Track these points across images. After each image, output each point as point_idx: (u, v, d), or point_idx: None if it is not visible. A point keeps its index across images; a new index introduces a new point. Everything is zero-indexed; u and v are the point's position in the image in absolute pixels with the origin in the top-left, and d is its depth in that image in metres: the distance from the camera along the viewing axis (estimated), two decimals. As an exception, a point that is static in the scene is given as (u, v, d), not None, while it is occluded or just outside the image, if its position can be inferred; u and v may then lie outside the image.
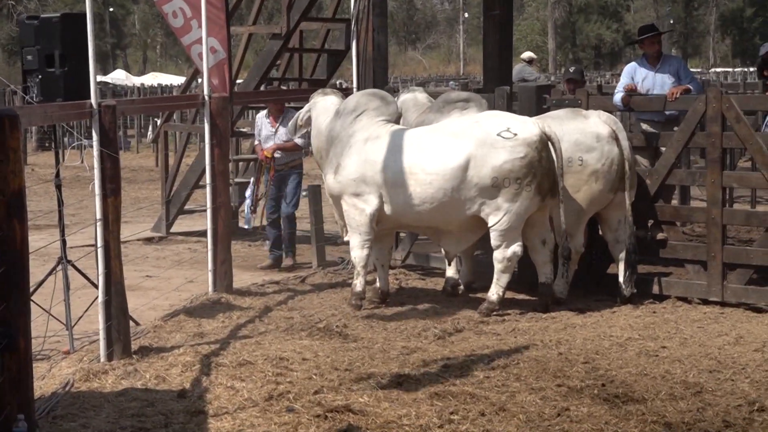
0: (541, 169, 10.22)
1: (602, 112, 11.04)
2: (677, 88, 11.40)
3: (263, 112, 13.38)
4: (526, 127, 10.28)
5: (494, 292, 10.50)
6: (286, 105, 13.54)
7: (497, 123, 10.34)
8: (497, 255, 10.43)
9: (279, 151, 12.95)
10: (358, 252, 10.72)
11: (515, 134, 10.20)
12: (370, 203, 10.51)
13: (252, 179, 12.98)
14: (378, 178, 10.41)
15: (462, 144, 10.25)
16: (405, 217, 10.56)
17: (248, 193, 12.90)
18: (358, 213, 10.57)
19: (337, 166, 10.65)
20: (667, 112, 11.76)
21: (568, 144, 10.53)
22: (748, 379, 8.05)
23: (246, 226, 13.15)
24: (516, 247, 10.38)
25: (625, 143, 10.78)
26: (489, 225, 10.32)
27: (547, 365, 8.41)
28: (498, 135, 10.22)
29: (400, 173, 10.34)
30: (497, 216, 10.26)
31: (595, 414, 7.30)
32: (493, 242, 10.40)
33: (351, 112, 10.71)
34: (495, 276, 10.50)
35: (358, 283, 10.77)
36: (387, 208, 10.50)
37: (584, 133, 10.72)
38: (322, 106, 11.11)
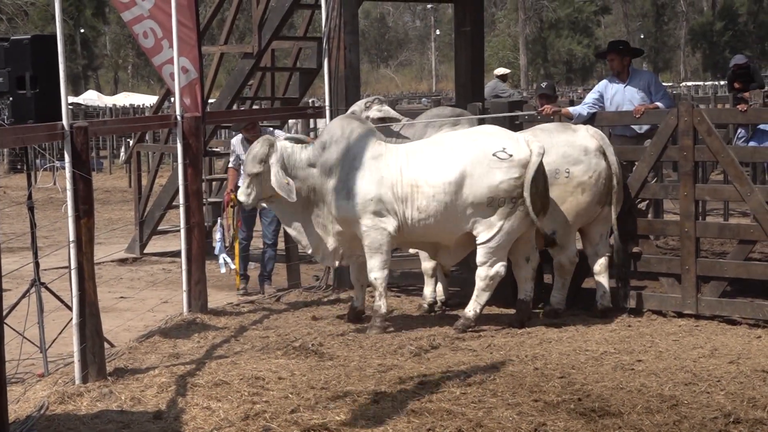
0: (535, 190, 10.23)
1: (590, 127, 11.09)
2: (645, 105, 11.48)
3: (239, 137, 13.19)
4: (521, 148, 10.29)
5: (471, 309, 10.49)
6: (261, 124, 13.43)
7: (493, 142, 10.32)
8: (480, 272, 10.42)
9: None
10: (379, 273, 10.47)
11: (510, 155, 10.21)
12: (390, 222, 10.35)
13: (219, 222, 12.64)
14: (390, 194, 10.33)
15: (459, 161, 10.22)
16: (413, 233, 10.47)
17: (218, 236, 12.52)
18: (379, 233, 10.36)
19: (347, 191, 10.37)
20: (640, 130, 11.87)
21: (555, 156, 10.60)
22: (724, 392, 8.07)
23: (223, 270, 12.78)
24: (500, 267, 10.37)
25: (612, 158, 10.82)
26: (478, 241, 10.31)
27: (524, 380, 8.41)
28: (494, 155, 10.24)
29: (408, 187, 10.28)
30: (489, 233, 10.25)
31: (571, 428, 7.31)
32: (479, 259, 10.38)
33: (342, 138, 10.47)
34: (475, 293, 10.49)
35: (383, 305, 10.52)
36: (399, 224, 10.44)
37: (572, 146, 10.75)
38: (286, 147, 10.66)
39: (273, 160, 10.49)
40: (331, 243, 10.77)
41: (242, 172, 10.97)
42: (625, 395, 8.00)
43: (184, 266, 11.10)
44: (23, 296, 9.42)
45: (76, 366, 8.64)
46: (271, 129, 13.29)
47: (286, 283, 13.11)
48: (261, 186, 10.61)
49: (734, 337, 10.00)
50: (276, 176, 10.43)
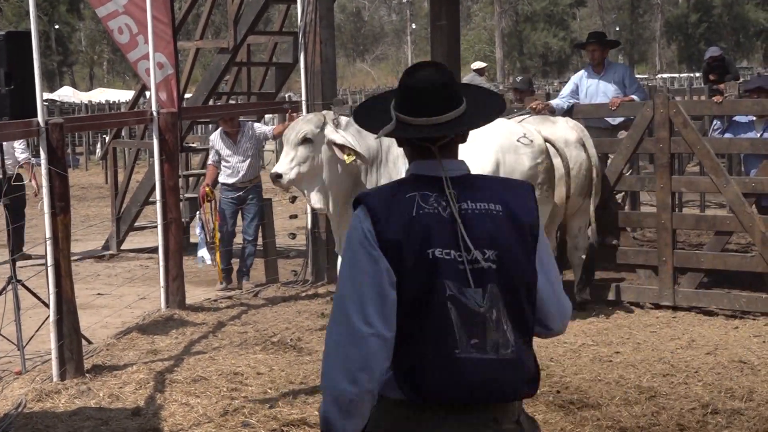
0: (552, 175, 10.23)
1: (569, 119, 11.10)
2: (621, 98, 11.52)
3: (218, 132, 13.12)
4: (536, 134, 10.27)
5: None
6: (240, 119, 13.39)
7: (513, 130, 10.26)
8: None
9: (244, 167, 12.72)
10: None
11: (531, 141, 10.17)
12: None
13: (198, 215, 12.60)
14: None
15: (489, 149, 10.02)
16: None
17: (198, 231, 12.48)
18: None
19: None
20: (614, 122, 11.92)
21: None
22: (701, 383, 8.11)
23: (200, 265, 12.73)
24: None
25: (592, 150, 10.81)
26: None
27: (502, 373, 8.41)
28: (518, 141, 10.15)
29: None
30: None
31: (550, 420, 7.32)
32: None
33: None
34: None
35: None
36: None
37: (553, 138, 10.73)
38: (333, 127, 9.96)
39: (330, 129, 9.74)
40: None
41: (285, 143, 10.00)
42: (603, 387, 8.03)
43: (161, 262, 11.06)
44: (-1, 294, 9.40)
45: (54, 363, 8.62)
46: (250, 123, 13.26)
47: (264, 279, 13.09)
48: (309, 161, 9.77)
49: (711, 328, 10.04)
50: (344, 139, 9.61)
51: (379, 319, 3.44)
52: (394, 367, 3.51)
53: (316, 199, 9.89)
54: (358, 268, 3.49)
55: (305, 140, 9.77)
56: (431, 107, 3.62)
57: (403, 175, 4.07)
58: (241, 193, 12.80)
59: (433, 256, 3.48)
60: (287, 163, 9.79)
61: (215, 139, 12.93)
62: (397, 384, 3.51)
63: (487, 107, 3.82)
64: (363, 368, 3.44)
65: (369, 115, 3.79)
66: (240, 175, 12.75)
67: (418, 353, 3.49)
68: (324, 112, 10.40)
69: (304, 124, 9.84)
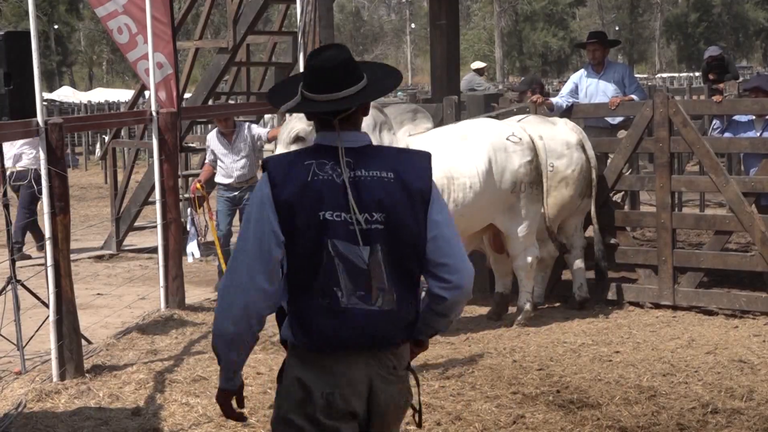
0: (541, 172, 10.21)
1: (568, 120, 11.09)
2: (621, 98, 11.51)
3: (214, 132, 13.11)
4: (524, 132, 10.22)
5: (524, 300, 10.37)
6: (236, 119, 13.38)
7: (501, 128, 10.22)
8: (519, 263, 10.29)
9: (238, 167, 12.70)
10: None
11: (520, 139, 10.14)
12: None
13: (189, 212, 12.58)
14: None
15: (481, 147, 9.98)
16: None
17: (189, 226, 12.44)
18: None
19: None
20: (613, 122, 11.92)
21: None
22: (701, 382, 8.10)
23: (189, 260, 12.65)
24: (533, 251, 10.31)
25: (591, 152, 10.81)
26: (509, 234, 10.15)
27: (502, 373, 8.42)
28: (507, 139, 10.12)
29: (443, 179, 9.75)
30: (518, 223, 10.15)
31: (550, 420, 7.32)
32: (513, 251, 10.28)
33: (375, 128, 9.75)
34: (520, 285, 10.41)
35: None
36: None
37: (554, 140, 10.69)
38: None
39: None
40: None
41: (278, 142, 9.97)
42: (603, 386, 8.02)
43: (161, 262, 11.06)
44: (-1, 294, 9.38)
45: (54, 363, 8.61)
46: (247, 124, 13.24)
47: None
48: None
49: (711, 327, 10.03)
50: None
51: (262, 273, 4.00)
52: (290, 317, 4.07)
53: None
54: (252, 228, 4.03)
55: (298, 138, 9.78)
56: (332, 84, 4.04)
57: None
58: (236, 193, 12.78)
59: (324, 218, 3.99)
60: None
61: (211, 138, 12.93)
62: (292, 332, 4.07)
63: (385, 81, 4.23)
64: (243, 313, 4.03)
65: (284, 94, 4.22)
66: (235, 175, 12.73)
67: (309, 304, 4.02)
68: None
69: (296, 122, 9.85)
